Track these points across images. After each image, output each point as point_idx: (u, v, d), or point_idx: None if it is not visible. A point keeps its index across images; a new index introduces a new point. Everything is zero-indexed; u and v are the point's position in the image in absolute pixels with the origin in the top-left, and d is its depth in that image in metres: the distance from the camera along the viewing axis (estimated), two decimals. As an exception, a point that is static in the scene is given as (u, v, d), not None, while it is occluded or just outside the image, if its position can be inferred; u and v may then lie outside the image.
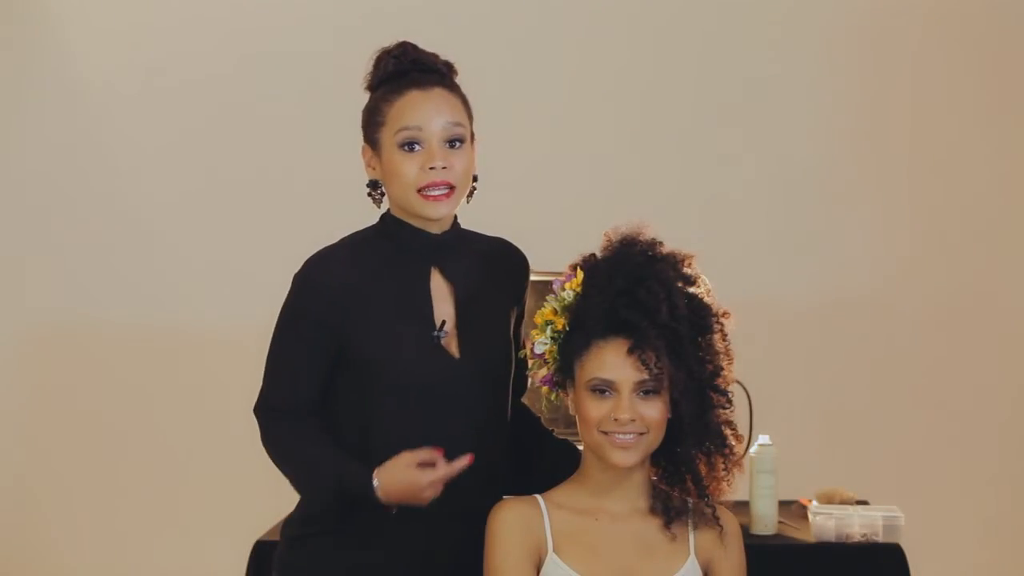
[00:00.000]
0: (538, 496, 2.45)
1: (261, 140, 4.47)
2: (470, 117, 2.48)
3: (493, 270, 2.54)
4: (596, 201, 4.22)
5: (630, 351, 2.35)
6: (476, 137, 2.49)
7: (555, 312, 2.44)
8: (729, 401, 2.43)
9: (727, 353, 2.43)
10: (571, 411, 2.45)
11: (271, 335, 2.49)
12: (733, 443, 2.43)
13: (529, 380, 2.62)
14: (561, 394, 2.47)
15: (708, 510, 2.44)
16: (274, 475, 2.52)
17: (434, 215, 2.44)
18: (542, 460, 2.63)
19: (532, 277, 2.64)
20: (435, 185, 2.41)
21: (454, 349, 2.46)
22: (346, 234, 2.53)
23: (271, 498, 2.92)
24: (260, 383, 2.50)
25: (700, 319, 2.40)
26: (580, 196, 4.37)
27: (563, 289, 2.44)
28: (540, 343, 2.45)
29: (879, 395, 4.45)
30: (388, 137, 2.43)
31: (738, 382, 2.52)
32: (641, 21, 4.48)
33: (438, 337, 2.44)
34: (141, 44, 4.51)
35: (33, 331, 4.53)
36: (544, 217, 4.26)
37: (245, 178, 4.48)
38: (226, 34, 4.49)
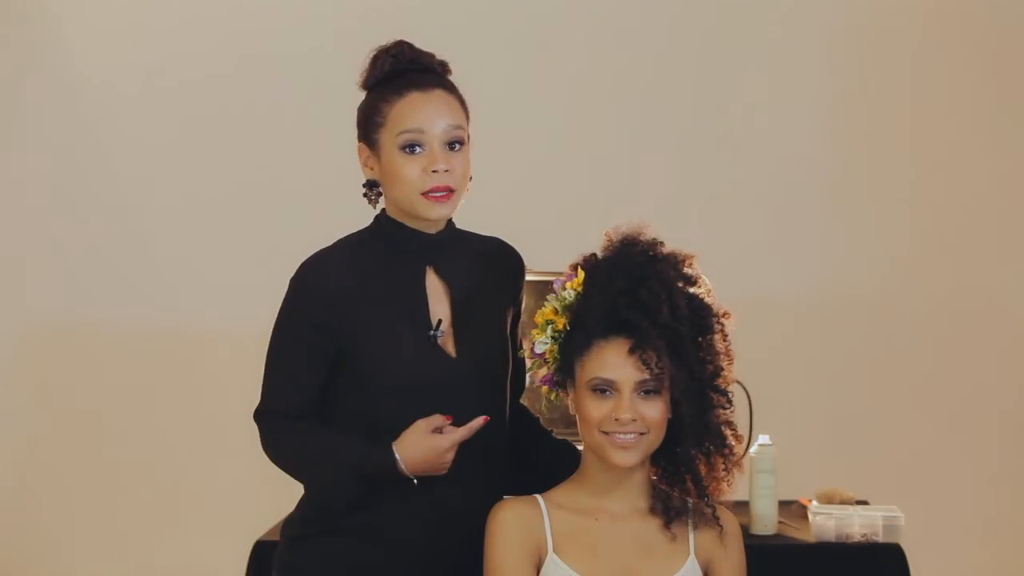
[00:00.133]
0: (538, 496, 2.45)
1: (261, 140, 4.47)
2: (467, 118, 2.48)
3: (488, 269, 2.54)
4: (596, 201, 4.23)
5: (631, 351, 2.35)
6: (471, 137, 2.50)
7: (556, 312, 2.44)
8: (729, 401, 2.43)
9: (727, 353, 2.43)
10: (571, 411, 2.45)
11: (269, 339, 2.49)
12: (733, 443, 2.43)
13: (528, 379, 2.62)
14: (561, 394, 2.47)
15: (708, 510, 2.44)
16: (274, 475, 2.52)
17: (435, 216, 2.45)
18: (541, 460, 2.63)
19: (532, 277, 2.64)
20: (438, 189, 2.42)
21: (451, 348, 2.46)
22: (346, 234, 2.53)
23: (271, 498, 2.92)
24: (260, 383, 2.50)
25: (701, 319, 2.40)
26: (580, 196, 4.37)
27: (564, 289, 2.44)
28: (540, 343, 2.45)
29: (879, 395, 4.45)
30: (388, 139, 2.43)
31: (738, 382, 2.52)
32: (641, 21, 4.48)
33: (435, 337, 2.45)
34: (141, 44, 4.51)
35: (33, 331, 4.53)
36: (544, 217, 4.27)
37: (245, 178, 4.48)
38: (226, 34, 4.49)
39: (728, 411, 2.43)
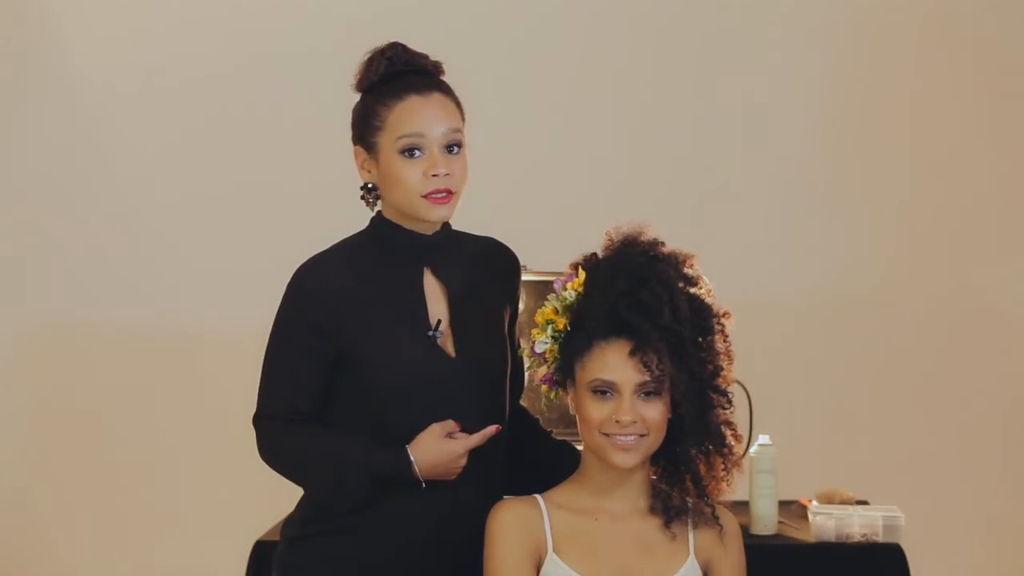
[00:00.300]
0: (538, 496, 2.45)
1: (261, 140, 4.47)
2: (464, 120, 2.49)
3: (484, 269, 2.54)
4: (595, 201, 4.22)
5: (632, 353, 2.35)
6: (467, 137, 2.50)
7: (556, 311, 2.44)
8: (729, 401, 2.43)
9: (727, 353, 2.43)
10: (571, 411, 2.45)
11: (266, 344, 2.48)
12: (732, 443, 2.43)
13: (528, 378, 2.62)
14: (561, 393, 2.47)
15: (708, 510, 2.44)
16: (274, 475, 2.51)
17: (436, 218, 2.45)
18: (541, 460, 2.63)
19: (532, 277, 2.64)
20: (438, 191, 2.42)
21: (450, 348, 2.46)
22: (346, 234, 2.54)
23: (271, 498, 2.92)
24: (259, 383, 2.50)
25: (701, 320, 2.40)
26: (579, 196, 4.37)
27: (564, 289, 2.44)
28: (541, 342, 2.45)
29: (879, 395, 4.45)
30: (387, 143, 2.43)
31: (738, 382, 2.52)
32: (641, 21, 4.48)
33: (434, 337, 2.45)
34: (141, 44, 4.51)
35: (33, 331, 4.53)
36: (543, 217, 4.27)
37: (245, 178, 4.48)
38: (226, 34, 4.49)
39: (728, 411, 2.43)
